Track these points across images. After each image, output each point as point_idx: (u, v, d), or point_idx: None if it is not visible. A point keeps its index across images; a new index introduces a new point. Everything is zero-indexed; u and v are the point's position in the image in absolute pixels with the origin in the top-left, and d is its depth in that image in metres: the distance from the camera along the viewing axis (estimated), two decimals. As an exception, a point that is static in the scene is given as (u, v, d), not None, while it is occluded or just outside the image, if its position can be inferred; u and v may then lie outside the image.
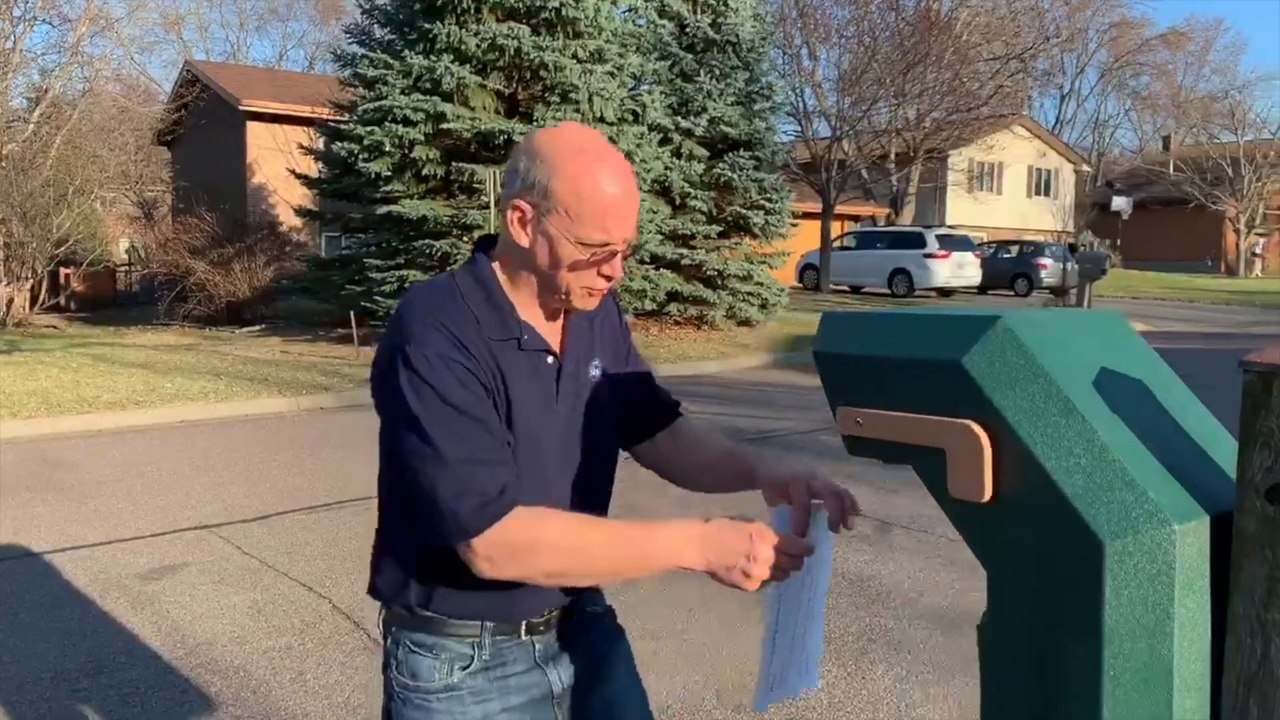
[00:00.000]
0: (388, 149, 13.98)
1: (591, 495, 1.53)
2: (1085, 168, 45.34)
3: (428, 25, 14.00)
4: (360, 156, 14.10)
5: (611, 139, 14.10)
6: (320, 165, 17.61)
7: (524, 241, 1.42)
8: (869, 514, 5.80)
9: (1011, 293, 26.74)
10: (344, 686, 3.61)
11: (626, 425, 1.64)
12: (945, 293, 25.24)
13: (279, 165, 20.70)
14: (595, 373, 1.56)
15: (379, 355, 1.41)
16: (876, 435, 1.19)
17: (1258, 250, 36.52)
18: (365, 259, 14.82)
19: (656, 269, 15.47)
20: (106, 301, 23.28)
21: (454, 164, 13.98)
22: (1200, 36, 54.55)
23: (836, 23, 28.23)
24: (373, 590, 1.54)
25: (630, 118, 14.78)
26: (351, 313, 13.86)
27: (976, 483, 1.08)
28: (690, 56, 16.37)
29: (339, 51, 15.89)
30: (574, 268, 1.41)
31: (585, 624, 1.61)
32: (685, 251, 15.89)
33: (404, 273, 13.94)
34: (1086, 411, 1.05)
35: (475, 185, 13.76)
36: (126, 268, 27.17)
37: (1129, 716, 1.00)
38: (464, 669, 1.47)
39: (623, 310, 1.71)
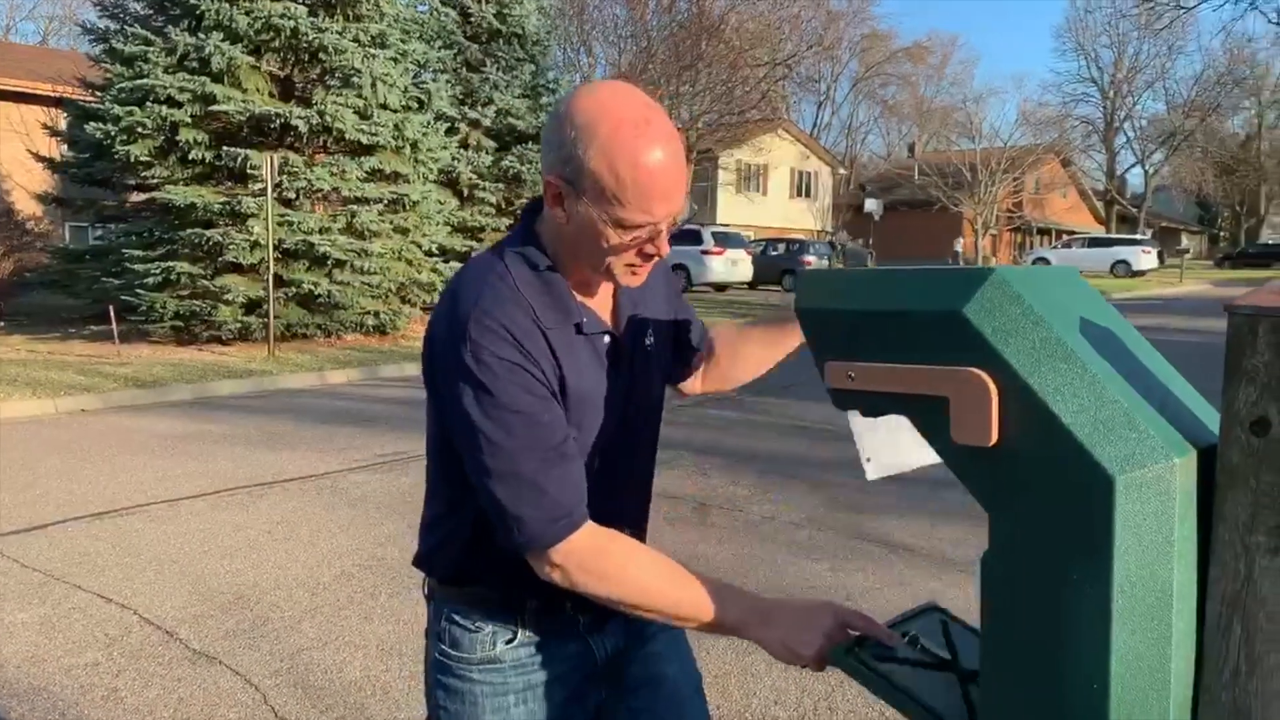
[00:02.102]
0: (149, 131, 13.01)
1: (643, 462, 1.54)
2: (842, 171, 48.17)
3: (193, 1, 13.11)
4: (117, 139, 13.05)
5: (397, 126, 13.76)
6: (65, 148, 16.17)
7: (560, 219, 1.32)
8: (688, 496, 5.92)
9: (780, 288, 28.00)
10: (166, 700, 3.32)
11: (678, 368, 1.65)
12: (720, 288, 26.14)
13: (15, 147, 18.86)
14: (650, 342, 1.50)
15: (433, 345, 1.33)
16: (871, 388, 1.20)
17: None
18: (124, 249, 13.71)
19: (446, 261, 15.16)
20: None
21: (225, 148, 13.18)
22: (939, 51, 59.18)
23: (613, 22, 28.67)
24: (418, 561, 1.50)
25: (415, 105, 14.42)
26: (110, 308, 12.78)
27: (982, 427, 1.12)
28: (476, 46, 16.18)
29: (89, 25, 14.64)
30: (614, 250, 1.31)
31: None
32: (475, 244, 15.68)
33: (170, 264, 13.02)
34: (1082, 356, 1.10)
35: (250, 171, 13.03)
36: None
37: (1134, 644, 1.06)
38: (507, 643, 1.44)
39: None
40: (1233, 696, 1.10)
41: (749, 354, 1.70)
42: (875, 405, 1.21)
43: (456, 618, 1.44)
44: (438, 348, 1.31)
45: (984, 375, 1.11)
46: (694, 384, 1.71)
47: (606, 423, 1.40)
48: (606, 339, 1.41)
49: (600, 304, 1.42)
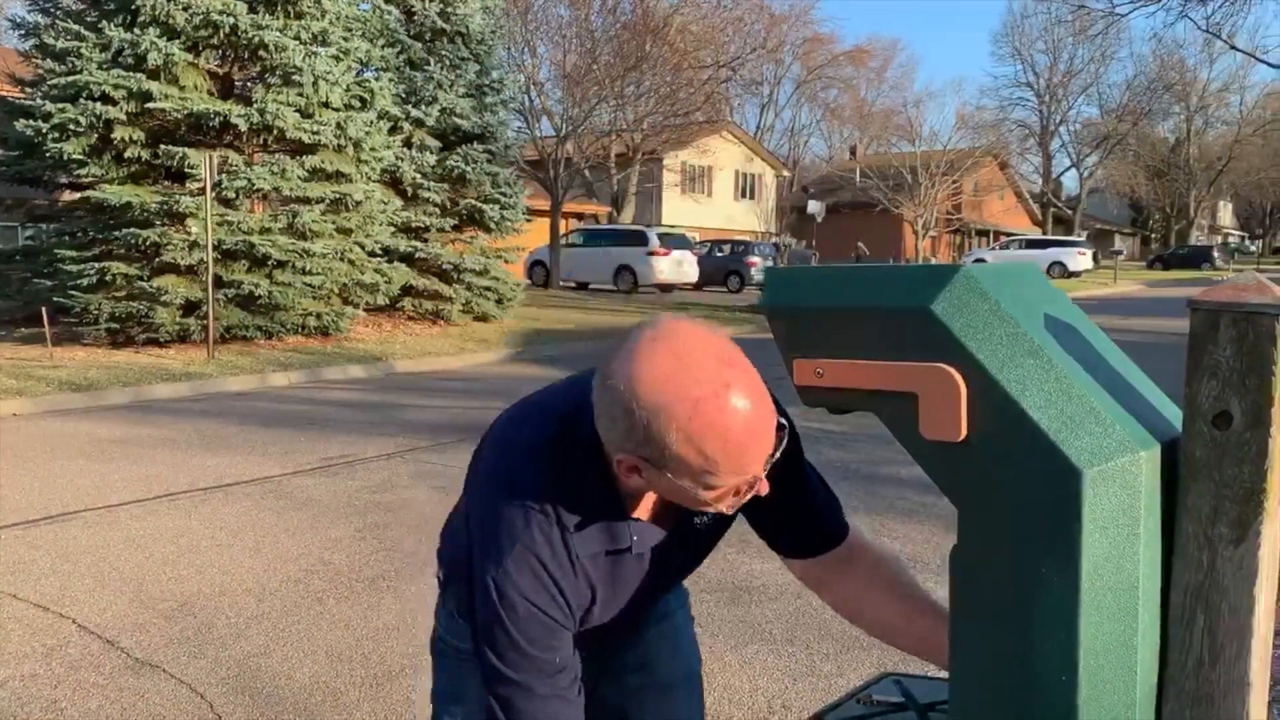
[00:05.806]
0: (82, 128, 12.67)
1: (647, 609, 1.53)
2: (785, 173, 48.52)
3: (128, -5, 12.81)
4: (49, 136, 12.70)
5: (339, 125, 13.57)
6: (-8, 145, 15.71)
7: (638, 484, 1.24)
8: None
9: (725, 289, 28.14)
10: (108, 711, 3.23)
11: (781, 538, 1.51)
12: (666, 289, 26.18)
13: (-60, 144, 18.21)
14: (703, 521, 1.41)
15: (471, 504, 1.38)
16: (840, 384, 1.20)
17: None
18: (57, 250, 13.36)
19: (390, 262, 15.00)
20: None
21: (162, 146, 12.89)
22: (880, 55, 59.85)
23: (557, 22, 28.58)
24: (440, 556, 1.59)
25: (358, 104, 14.24)
26: (43, 310, 12.42)
27: (952, 423, 1.12)
28: (419, 45, 16.01)
29: (18, 19, 14.24)
30: (707, 504, 1.24)
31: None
32: (419, 245, 15.52)
33: (105, 265, 12.70)
34: (1049, 351, 1.11)
35: (188, 170, 12.76)
36: None
37: (1101, 635, 1.07)
38: None
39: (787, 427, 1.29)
40: (1195, 685, 1.11)
41: (879, 605, 1.48)
42: (839, 402, 1.22)
43: (457, 612, 1.53)
44: (475, 527, 1.33)
45: (952, 371, 1.11)
46: (796, 566, 1.54)
47: (623, 597, 1.40)
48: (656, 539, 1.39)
49: (658, 514, 1.38)
